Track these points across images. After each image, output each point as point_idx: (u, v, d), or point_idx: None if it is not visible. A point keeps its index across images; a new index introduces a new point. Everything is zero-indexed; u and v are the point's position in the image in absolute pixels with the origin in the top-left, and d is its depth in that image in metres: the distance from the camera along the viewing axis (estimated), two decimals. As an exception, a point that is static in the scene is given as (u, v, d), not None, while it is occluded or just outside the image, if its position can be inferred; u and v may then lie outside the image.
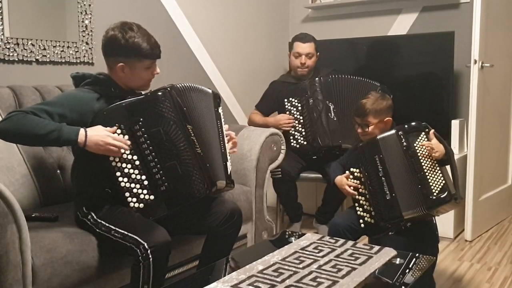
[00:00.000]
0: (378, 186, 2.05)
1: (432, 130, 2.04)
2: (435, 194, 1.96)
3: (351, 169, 2.18)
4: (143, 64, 1.85)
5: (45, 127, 1.63)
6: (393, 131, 2.07)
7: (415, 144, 2.03)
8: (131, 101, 1.78)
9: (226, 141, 2.03)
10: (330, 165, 2.91)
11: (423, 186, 1.98)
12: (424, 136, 2.03)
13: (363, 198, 2.13)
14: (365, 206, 2.12)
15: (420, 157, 2.01)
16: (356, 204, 2.15)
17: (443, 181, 1.97)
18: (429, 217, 2.05)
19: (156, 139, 1.77)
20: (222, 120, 2.04)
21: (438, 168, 1.99)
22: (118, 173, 1.74)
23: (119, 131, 1.75)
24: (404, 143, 2.03)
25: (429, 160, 2.00)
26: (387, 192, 2.03)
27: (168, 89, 1.81)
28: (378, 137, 2.09)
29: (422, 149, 2.01)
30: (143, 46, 1.81)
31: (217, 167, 1.93)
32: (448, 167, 2.07)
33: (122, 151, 1.73)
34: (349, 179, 2.17)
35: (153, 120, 1.77)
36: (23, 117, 1.63)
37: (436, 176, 1.98)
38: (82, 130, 1.68)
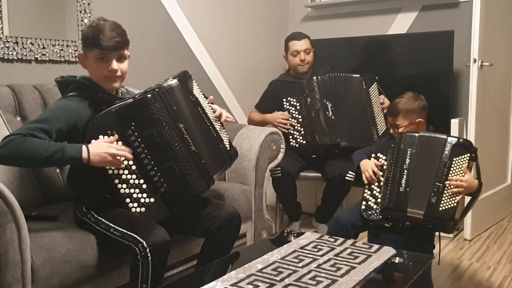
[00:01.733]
0: (398, 176, 2.04)
1: (468, 164, 2.01)
2: (440, 209, 1.96)
3: (378, 154, 2.18)
4: (93, 53, 1.77)
5: (47, 149, 1.60)
6: (444, 136, 2.05)
7: (455, 159, 2.01)
8: (120, 106, 1.75)
9: (213, 119, 2.01)
10: (329, 163, 2.95)
11: (435, 195, 1.97)
12: (468, 158, 2.01)
13: (376, 183, 2.14)
14: (374, 191, 2.13)
15: (451, 173, 2.00)
16: (366, 186, 2.16)
17: (455, 204, 1.97)
18: (425, 225, 2.03)
19: (150, 142, 1.76)
20: (201, 99, 1.99)
21: (457, 192, 1.99)
22: (116, 180, 1.73)
23: (111, 138, 1.72)
24: (446, 152, 2.01)
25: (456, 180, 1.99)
26: (403, 184, 2.02)
27: (156, 90, 1.79)
28: (421, 133, 2.08)
29: (457, 168, 2.00)
30: (93, 34, 1.75)
31: (214, 158, 1.93)
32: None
33: (126, 162, 1.72)
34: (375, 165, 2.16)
35: (145, 123, 1.75)
36: (23, 142, 1.58)
37: (452, 196, 1.98)
38: (84, 147, 1.65)
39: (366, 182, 2.17)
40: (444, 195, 1.98)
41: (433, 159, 2.03)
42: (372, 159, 2.20)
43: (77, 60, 2.48)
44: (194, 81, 2.03)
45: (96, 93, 1.81)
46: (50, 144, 1.62)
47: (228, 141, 2.07)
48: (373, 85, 3.00)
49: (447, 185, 1.98)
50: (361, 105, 2.95)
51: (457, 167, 2.00)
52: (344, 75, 2.99)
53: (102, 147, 1.67)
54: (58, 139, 1.68)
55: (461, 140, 2.04)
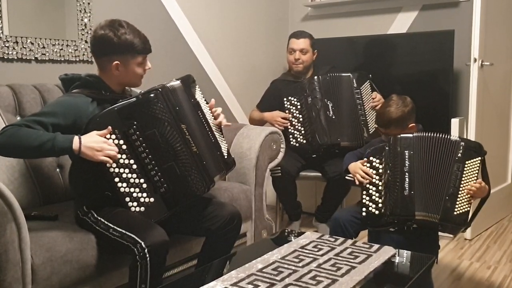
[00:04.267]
0: (399, 180, 2.01)
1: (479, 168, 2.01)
2: (455, 213, 1.95)
3: (371, 158, 2.13)
4: (136, 60, 1.84)
5: (39, 138, 1.61)
6: (457, 138, 2.01)
7: (467, 162, 1.98)
8: (123, 105, 1.75)
9: (213, 125, 2.01)
10: (329, 162, 2.95)
11: (450, 199, 1.96)
12: (479, 162, 1.99)
13: (373, 188, 2.10)
14: (373, 197, 2.09)
15: (464, 176, 1.97)
16: (364, 192, 2.12)
17: (468, 208, 1.96)
18: (435, 227, 2.03)
19: (151, 141, 1.76)
20: (202, 103, 1.99)
21: (471, 196, 1.98)
22: (116, 179, 1.72)
23: (113, 136, 1.72)
24: (459, 155, 1.98)
25: (468, 185, 1.97)
26: (407, 188, 1.99)
27: (160, 90, 1.79)
28: (415, 134, 2.05)
29: (470, 172, 1.98)
30: (135, 42, 1.81)
31: (213, 162, 1.93)
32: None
33: (127, 161, 1.72)
34: (364, 166, 2.12)
35: (147, 123, 1.75)
36: (16, 131, 1.60)
37: (465, 200, 1.96)
38: (76, 138, 1.66)
39: (358, 184, 2.13)
40: (459, 199, 1.96)
41: (441, 161, 2.00)
42: (364, 159, 2.15)
43: (77, 59, 2.50)
44: (197, 86, 2.04)
45: (99, 91, 1.82)
46: (43, 134, 1.64)
47: (226, 150, 2.06)
48: (365, 83, 2.99)
49: (461, 189, 1.96)
50: (351, 103, 2.95)
51: (470, 170, 1.98)
52: (336, 75, 2.99)
53: (95, 141, 1.67)
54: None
55: (472, 142, 2.01)
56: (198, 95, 2.01)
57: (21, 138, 1.60)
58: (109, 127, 1.72)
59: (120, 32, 1.79)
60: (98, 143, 1.67)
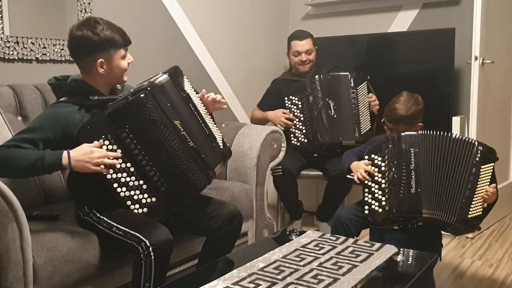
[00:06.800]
0: (405, 178, 2.00)
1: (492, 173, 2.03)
2: (469, 216, 1.96)
3: (372, 156, 2.13)
4: (119, 54, 1.81)
5: (28, 158, 1.60)
6: (475, 141, 2.02)
7: (482, 167, 1.99)
8: (113, 109, 1.71)
9: (205, 115, 1.97)
10: (330, 161, 2.95)
11: (466, 202, 1.96)
12: (492, 167, 2.00)
13: (376, 186, 2.09)
14: (376, 194, 2.08)
15: (480, 181, 1.98)
16: (366, 190, 2.11)
17: (480, 212, 1.98)
18: (441, 226, 2.03)
19: (146, 142, 1.72)
20: (192, 95, 1.94)
21: (484, 200, 2.00)
22: (115, 184, 1.71)
23: (107, 142, 1.70)
24: (477, 159, 1.99)
25: (482, 189, 1.98)
26: (413, 185, 1.99)
27: (149, 88, 1.73)
28: (420, 132, 2.05)
29: (484, 177, 1.99)
30: (115, 36, 1.78)
31: (211, 153, 1.91)
32: None
33: (118, 165, 1.70)
34: (368, 166, 2.12)
35: (140, 124, 1.71)
36: (6, 153, 1.60)
37: (479, 204, 1.98)
38: (65, 153, 1.64)
39: (358, 182, 2.13)
40: (473, 202, 1.97)
41: (455, 161, 1.99)
42: (365, 160, 2.14)
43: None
44: (185, 77, 1.98)
45: (86, 97, 1.79)
46: (32, 153, 1.62)
47: (221, 139, 2.02)
48: (363, 84, 2.99)
49: (476, 193, 1.97)
50: (347, 102, 2.95)
51: (485, 175, 1.99)
52: (335, 74, 2.99)
53: (84, 153, 1.64)
54: (46, 148, 1.67)
55: (488, 147, 2.02)
56: (187, 87, 1.95)
57: (10, 160, 1.59)
58: (100, 140, 1.69)
59: (98, 30, 1.75)
60: (86, 154, 1.64)
